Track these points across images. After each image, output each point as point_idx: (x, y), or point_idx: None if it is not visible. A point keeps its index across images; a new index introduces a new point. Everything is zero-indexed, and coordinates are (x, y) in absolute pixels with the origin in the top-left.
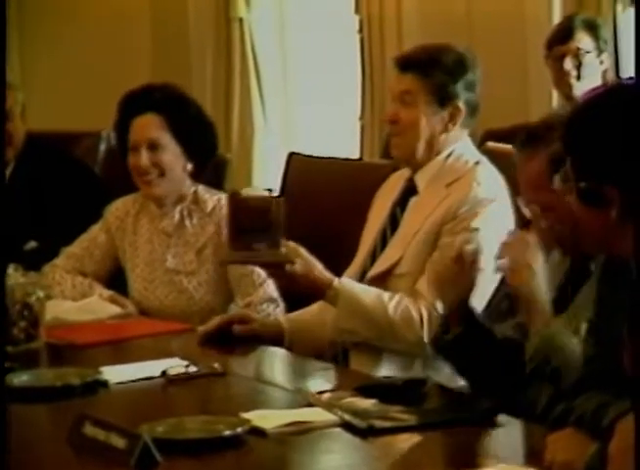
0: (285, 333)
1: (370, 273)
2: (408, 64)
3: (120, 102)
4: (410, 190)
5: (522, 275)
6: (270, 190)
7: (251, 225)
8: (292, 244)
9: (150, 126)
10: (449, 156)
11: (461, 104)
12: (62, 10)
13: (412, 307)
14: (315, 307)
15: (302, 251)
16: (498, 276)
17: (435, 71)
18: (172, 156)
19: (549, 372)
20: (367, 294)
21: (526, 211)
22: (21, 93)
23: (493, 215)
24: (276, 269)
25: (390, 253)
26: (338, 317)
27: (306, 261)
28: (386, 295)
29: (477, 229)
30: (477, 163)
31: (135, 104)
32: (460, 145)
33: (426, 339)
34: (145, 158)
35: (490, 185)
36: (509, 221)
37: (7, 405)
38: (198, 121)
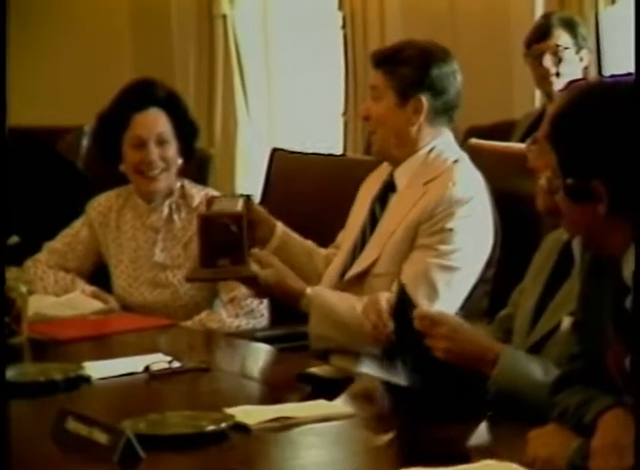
0: (272, 243)
1: (348, 274)
2: (377, 60)
3: (120, 96)
4: (389, 186)
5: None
6: (247, 196)
7: (218, 242)
8: (264, 253)
9: (157, 121)
10: (430, 152)
11: (425, 98)
12: (43, 7)
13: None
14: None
15: (275, 260)
16: (474, 277)
17: (397, 67)
18: (174, 151)
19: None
20: (339, 299)
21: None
22: None
23: (469, 216)
24: (249, 281)
25: (368, 252)
26: (312, 324)
27: (278, 271)
28: (356, 298)
29: (452, 230)
30: (456, 161)
31: (136, 99)
32: (441, 141)
33: None
34: (154, 153)
35: (467, 185)
36: (485, 221)
37: (8, 404)
38: (190, 119)
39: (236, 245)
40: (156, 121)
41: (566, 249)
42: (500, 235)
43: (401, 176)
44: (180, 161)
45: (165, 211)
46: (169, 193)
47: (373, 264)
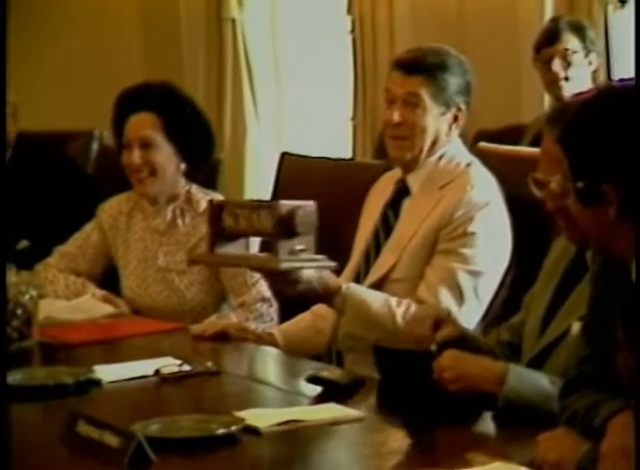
0: (280, 347)
1: (368, 280)
2: (415, 67)
3: (117, 99)
4: (402, 192)
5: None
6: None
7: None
8: None
9: (143, 125)
10: (441, 157)
11: (463, 106)
12: (53, 10)
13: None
14: (309, 316)
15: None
16: (497, 281)
17: (442, 74)
18: (165, 156)
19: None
20: (375, 299)
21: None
22: (12, 93)
23: (488, 219)
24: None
25: (386, 258)
26: (345, 323)
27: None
28: (394, 300)
29: (473, 233)
30: (468, 164)
31: (131, 102)
32: (452, 146)
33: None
34: (137, 156)
35: (484, 187)
36: (504, 224)
37: (8, 406)
38: (193, 122)
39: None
40: (141, 125)
41: (578, 253)
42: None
43: (415, 181)
44: (183, 165)
45: (169, 215)
46: (173, 197)
47: (391, 270)
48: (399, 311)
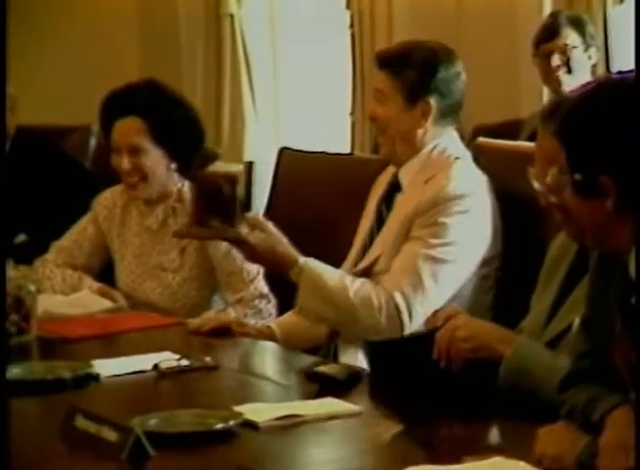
0: (278, 340)
1: (353, 270)
2: (381, 61)
3: (102, 104)
4: (395, 186)
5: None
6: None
7: (211, 202)
8: (260, 218)
9: (130, 131)
10: (432, 151)
11: (432, 101)
12: (52, 5)
13: (373, 293)
14: None
15: (269, 226)
16: (467, 272)
17: (405, 69)
18: (154, 160)
19: (521, 393)
20: (331, 275)
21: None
22: (11, 87)
23: (464, 211)
24: (238, 244)
25: (372, 251)
26: (301, 296)
27: (270, 236)
28: (349, 278)
29: (444, 223)
30: (457, 158)
31: (116, 106)
32: (444, 140)
33: (383, 326)
34: (126, 162)
35: (463, 181)
36: (482, 218)
37: (7, 400)
38: (181, 122)
39: (228, 206)
40: (128, 131)
41: (580, 249)
42: (501, 234)
43: (406, 175)
44: (174, 164)
45: (161, 215)
46: (165, 196)
47: (375, 262)
48: (353, 288)
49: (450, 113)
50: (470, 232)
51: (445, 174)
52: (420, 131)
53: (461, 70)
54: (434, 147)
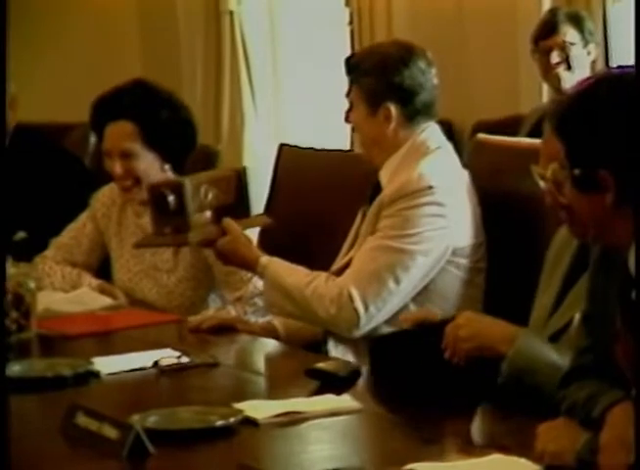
0: (281, 337)
1: (332, 268)
2: (345, 69)
3: (92, 108)
4: (377, 187)
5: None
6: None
7: (162, 211)
8: (226, 220)
9: (121, 136)
10: (410, 148)
11: (392, 106)
12: (52, 2)
13: (324, 285)
14: None
15: (234, 228)
16: (430, 263)
17: (361, 77)
18: (146, 163)
19: (523, 392)
20: (290, 272)
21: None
22: (12, 84)
23: (429, 203)
24: (207, 247)
25: (352, 251)
26: (264, 292)
27: (233, 239)
28: (311, 275)
29: (406, 215)
30: (438, 147)
31: (106, 110)
32: (421, 135)
33: (337, 317)
34: (118, 166)
35: (431, 172)
36: (454, 211)
37: (8, 399)
38: (172, 123)
39: (178, 213)
40: (119, 136)
41: (584, 244)
42: (481, 227)
43: (384, 176)
44: (167, 165)
45: None
46: None
47: (350, 261)
48: (306, 281)
49: (419, 113)
50: (437, 224)
51: (413, 167)
52: (388, 135)
53: (424, 65)
54: (412, 145)
